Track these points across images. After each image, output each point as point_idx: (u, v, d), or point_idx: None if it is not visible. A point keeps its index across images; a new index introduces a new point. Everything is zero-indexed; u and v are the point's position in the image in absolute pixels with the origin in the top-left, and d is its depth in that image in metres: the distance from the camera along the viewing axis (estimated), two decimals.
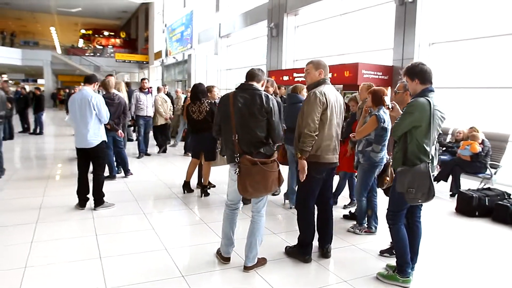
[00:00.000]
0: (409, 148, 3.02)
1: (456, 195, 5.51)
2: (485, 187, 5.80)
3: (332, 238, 3.69)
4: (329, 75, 3.63)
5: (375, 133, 4.02)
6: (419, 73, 3.08)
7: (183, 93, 11.68)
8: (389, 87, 8.77)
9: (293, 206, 5.12)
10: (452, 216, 5.26)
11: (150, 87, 9.12)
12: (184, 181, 5.80)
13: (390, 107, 3.68)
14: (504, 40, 7.24)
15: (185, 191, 5.77)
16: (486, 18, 7.56)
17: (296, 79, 10.51)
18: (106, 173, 6.46)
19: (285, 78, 11.10)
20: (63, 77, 37.49)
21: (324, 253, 3.62)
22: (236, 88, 3.31)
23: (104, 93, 6.33)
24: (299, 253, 3.56)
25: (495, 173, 6.02)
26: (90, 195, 4.90)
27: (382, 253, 3.77)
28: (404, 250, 3.14)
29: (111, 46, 36.93)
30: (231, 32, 17.15)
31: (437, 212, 5.41)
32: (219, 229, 3.62)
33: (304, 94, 5.12)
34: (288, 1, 12.84)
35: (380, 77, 8.60)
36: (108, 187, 5.94)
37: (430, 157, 3.00)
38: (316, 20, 12.39)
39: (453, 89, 8.22)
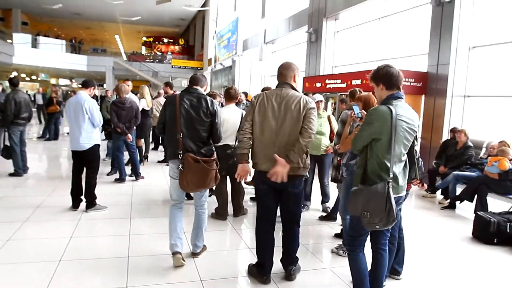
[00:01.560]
0: (369, 164, 2.62)
1: (473, 218, 4.87)
2: (510, 210, 5.08)
3: (297, 260, 3.37)
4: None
5: None
6: (384, 77, 2.70)
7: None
8: (423, 95, 8.14)
9: None
10: (467, 242, 4.65)
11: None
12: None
13: (358, 116, 3.28)
14: None
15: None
16: None
17: (328, 86, 10.14)
18: (116, 176, 6.69)
19: (318, 84, 10.73)
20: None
21: (287, 275, 3.31)
22: (182, 91, 3.51)
23: (116, 97, 6.49)
24: (258, 272, 3.29)
25: None
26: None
27: None
28: (361, 282, 2.75)
29: (170, 53, 38.42)
30: (275, 38, 17.02)
31: (452, 236, 4.83)
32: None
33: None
34: (328, 5, 12.45)
35: (412, 84, 7.97)
36: (112, 189, 6.12)
37: (391, 176, 2.59)
38: (356, 24, 11.87)
39: (494, 98, 7.40)
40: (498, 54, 7.38)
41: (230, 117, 4.88)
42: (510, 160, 5.30)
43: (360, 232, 2.74)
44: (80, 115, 4.71)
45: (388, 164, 2.58)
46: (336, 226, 4.84)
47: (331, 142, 4.96)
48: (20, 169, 6.72)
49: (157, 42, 40.16)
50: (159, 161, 8.64)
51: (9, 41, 25.82)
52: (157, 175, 7.36)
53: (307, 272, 3.49)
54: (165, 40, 40.67)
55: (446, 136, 7.52)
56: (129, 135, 6.44)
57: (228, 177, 5.07)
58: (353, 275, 2.80)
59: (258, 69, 17.99)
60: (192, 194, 3.97)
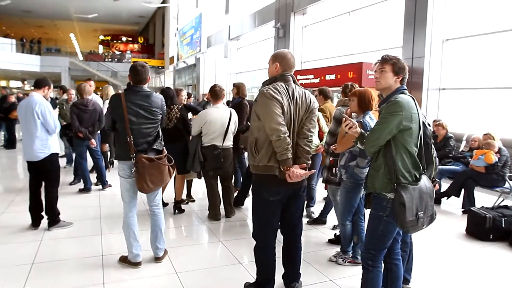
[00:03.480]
0: (398, 160, 2.35)
1: (467, 214, 4.70)
2: (502, 203, 4.97)
3: (299, 275, 3.01)
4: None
5: None
6: (403, 70, 2.46)
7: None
8: None
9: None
10: (462, 239, 4.48)
11: None
12: (175, 200, 5.14)
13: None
14: None
15: (176, 212, 5.06)
16: (508, 9, 6.70)
17: (300, 81, 9.85)
18: (81, 185, 6.07)
19: None
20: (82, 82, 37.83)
21: None
22: (125, 90, 3.33)
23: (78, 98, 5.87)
24: None
25: None
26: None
27: None
28: None
29: (129, 52, 37.10)
30: (240, 34, 16.63)
31: (445, 233, 4.64)
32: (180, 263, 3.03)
33: None
34: (295, 0, 12.18)
35: None
36: (77, 201, 5.51)
37: (423, 168, 2.43)
38: (325, 19, 11.69)
39: (469, 90, 7.37)
40: (472, 47, 7.35)
41: (218, 118, 4.57)
42: (495, 153, 5.20)
43: (386, 243, 2.45)
44: (31, 120, 4.08)
45: (417, 157, 2.40)
46: (326, 230, 4.54)
47: (320, 140, 4.63)
48: None
49: (115, 41, 38.71)
50: None
51: None
52: None
53: (309, 287, 3.13)
54: (124, 39, 39.28)
55: None
56: (93, 140, 5.85)
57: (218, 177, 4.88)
58: None
59: (223, 66, 17.51)
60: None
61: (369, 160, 3.35)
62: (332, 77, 8.61)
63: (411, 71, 7.83)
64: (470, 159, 5.59)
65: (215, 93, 4.63)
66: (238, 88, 5.55)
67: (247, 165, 5.64)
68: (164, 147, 3.50)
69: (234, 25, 16.94)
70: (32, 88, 4.29)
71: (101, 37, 39.86)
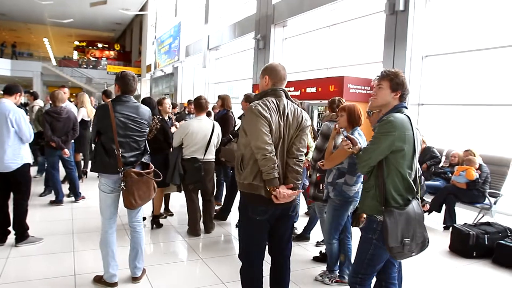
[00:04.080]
0: (389, 182, 2.26)
1: (451, 231, 4.69)
2: (483, 220, 4.99)
3: None
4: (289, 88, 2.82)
5: (348, 161, 3.23)
6: (402, 85, 2.35)
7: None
8: None
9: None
10: (446, 256, 4.45)
11: None
12: (152, 214, 4.90)
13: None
14: (505, 53, 6.52)
15: (154, 226, 4.85)
16: (485, 28, 6.87)
17: None
18: (52, 197, 5.77)
19: None
20: (54, 88, 36.77)
21: None
22: (113, 100, 3.16)
23: (51, 106, 5.59)
24: None
25: (495, 203, 5.20)
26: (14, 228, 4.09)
27: None
28: None
29: (105, 58, 36.41)
30: (220, 45, 16.53)
31: (429, 250, 4.58)
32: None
33: None
34: (276, 12, 12.22)
35: (368, 92, 7.86)
36: (48, 214, 5.21)
37: (416, 191, 2.31)
38: (305, 32, 11.74)
39: (448, 106, 7.49)
40: (449, 63, 7.49)
41: (200, 130, 4.43)
42: (476, 169, 5.24)
43: (376, 267, 2.35)
44: (3, 128, 3.81)
45: (410, 179, 2.28)
46: (309, 247, 4.43)
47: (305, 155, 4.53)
48: None
49: (90, 47, 37.92)
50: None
51: None
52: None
53: None
54: (100, 45, 38.54)
55: None
56: (66, 150, 5.57)
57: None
58: None
59: (201, 76, 17.34)
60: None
61: (358, 177, 3.29)
62: (313, 90, 8.59)
63: None
64: (450, 175, 5.62)
65: (200, 105, 4.49)
66: (224, 100, 5.43)
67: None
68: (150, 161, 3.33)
69: (213, 35, 16.84)
70: (1, 93, 4.01)
71: (76, 42, 38.98)
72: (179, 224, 5.09)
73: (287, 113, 2.59)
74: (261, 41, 12.75)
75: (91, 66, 33.76)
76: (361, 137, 3.24)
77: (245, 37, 14.34)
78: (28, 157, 4.06)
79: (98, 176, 3.22)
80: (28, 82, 30.97)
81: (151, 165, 3.27)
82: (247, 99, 4.57)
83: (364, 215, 2.61)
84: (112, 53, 37.67)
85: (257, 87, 11.64)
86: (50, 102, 5.89)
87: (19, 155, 3.92)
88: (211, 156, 4.56)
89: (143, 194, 3.12)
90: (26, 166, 4.00)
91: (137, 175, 3.06)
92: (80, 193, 5.92)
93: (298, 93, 9.08)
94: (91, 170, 3.19)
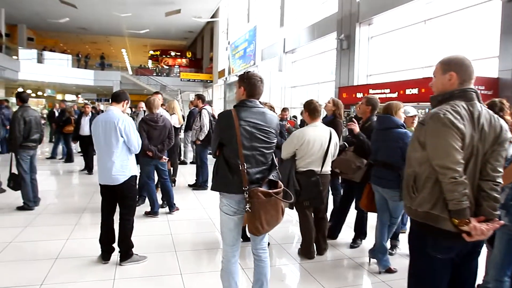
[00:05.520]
0: None
1: None
2: None
3: None
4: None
5: None
6: None
7: None
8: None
9: (383, 270, 3.69)
10: None
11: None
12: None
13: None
14: None
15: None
16: None
17: None
18: (146, 207, 5.55)
19: (359, 95, 9.63)
20: (132, 96, 38.49)
21: None
22: (236, 106, 2.69)
23: (147, 113, 5.38)
24: None
25: None
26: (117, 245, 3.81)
27: None
28: None
29: (177, 66, 37.54)
30: (296, 47, 16.03)
31: None
32: None
33: (400, 115, 3.75)
34: (360, 10, 11.43)
35: (482, 91, 6.83)
36: (146, 228, 4.92)
37: None
38: (394, 29, 10.81)
39: None
40: None
41: (317, 138, 3.87)
42: None
43: None
44: (112, 138, 3.55)
45: None
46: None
47: None
48: (30, 202, 5.57)
49: (164, 56, 39.31)
50: (189, 185, 7.47)
51: (15, 57, 24.90)
52: (193, 205, 6.20)
53: None
54: (172, 53, 39.85)
55: None
56: (164, 157, 5.34)
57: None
58: None
59: (277, 80, 16.93)
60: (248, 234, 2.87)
61: None
62: (415, 91, 7.74)
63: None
64: None
65: (315, 110, 3.94)
66: (337, 105, 4.84)
67: (342, 192, 4.89)
68: (279, 178, 2.78)
69: (290, 38, 16.39)
70: (107, 102, 3.75)
71: (151, 52, 40.72)
72: (283, 241, 4.57)
73: (482, 123, 1.94)
74: (345, 41, 12.00)
75: (164, 74, 34.94)
76: None
77: (325, 38, 13.69)
78: (135, 169, 3.77)
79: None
80: (108, 91, 32.84)
81: (280, 183, 2.74)
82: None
83: None
84: (184, 60, 38.71)
85: (343, 90, 10.94)
86: (145, 109, 5.68)
87: (127, 166, 3.64)
88: (328, 168, 3.99)
89: (270, 219, 2.59)
90: (133, 179, 3.72)
91: (264, 195, 2.55)
92: (174, 204, 5.64)
93: (394, 95, 8.26)
94: (212, 189, 2.74)
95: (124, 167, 3.61)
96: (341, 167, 4.27)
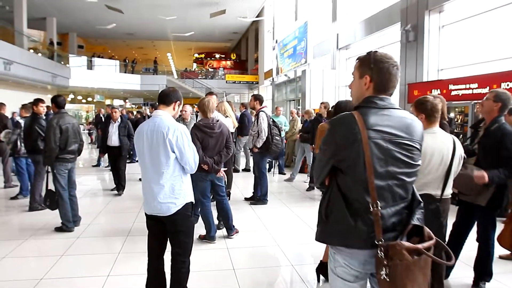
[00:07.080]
0: None
1: None
2: None
3: None
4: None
5: None
6: None
7: (299, 115, 9.65)
8: None
9: None
10: None
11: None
12: (320, 261, 3.51)
13: None
14: None
15: (320, 277, 3.48)
16: None
17: (453, 93, 7.75)
18: (199, 227, 4.66)
19: (435, 92, 8.33)
20: None
21: None
22: (359, 108, 1.72)
23: (200, 118, 4.51)
24: None
25: None
26: None
27: None
28: None
29: (222, 68, 37.19)
30: (351, 43, 14.80)
31: None
32: None
33: None
34: None
35: None
36: (202, 259, 4.02)
37: None
38: (471, 15, 9.36)
39: None
40: None
41: (436, 149, 2.76)
42: None
43: None
44: (160, 154, 2.65)
45: None
46: None
47: None
48: (69, 222, 4.87)
49: (208, 58, 39.18)
50: (246, 199, 6.56)
51: (66, 64, 25.41)
52: (254, 225, 5.27)
53: None
54: (217, 56, 39.62)
55: None
56: (222, 170, 4.46)
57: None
58: None
59: (330, 78, 15.76)
60: None
61: None
62: None
63: None
64: None
65: (434, 110, 2.84)
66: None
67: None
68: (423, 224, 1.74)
69: (343, 33, 15.20)
70: (152, 104, 2.85)
71: (196, 55, 40.73)
72: None
73: None
74: (411, 32, 10.65)
75: (209, 76, 34.65)
76: None
77: (385, 30, 12.40)
78: (191, 194, 2.84)
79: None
80: (154, 95, 32.99)
81: (427, 229, 1.70)
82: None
83: None
84: (228, 62, 38.33)
85: (414, 87, 9.68)
86: (198, 113, 4.84)
87: (181, 191, 2.72)
88: (450, 190, 2.89)
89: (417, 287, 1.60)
90: (188, 208, 2.79)
91: (409, 252, 1.57)
92: (233, 226, 4.73)
93: (485, 90, 6.95)
94: (317, 239, 1.78)
95: (177, 192, 2.70)
96: (461, 186, 3.16)
